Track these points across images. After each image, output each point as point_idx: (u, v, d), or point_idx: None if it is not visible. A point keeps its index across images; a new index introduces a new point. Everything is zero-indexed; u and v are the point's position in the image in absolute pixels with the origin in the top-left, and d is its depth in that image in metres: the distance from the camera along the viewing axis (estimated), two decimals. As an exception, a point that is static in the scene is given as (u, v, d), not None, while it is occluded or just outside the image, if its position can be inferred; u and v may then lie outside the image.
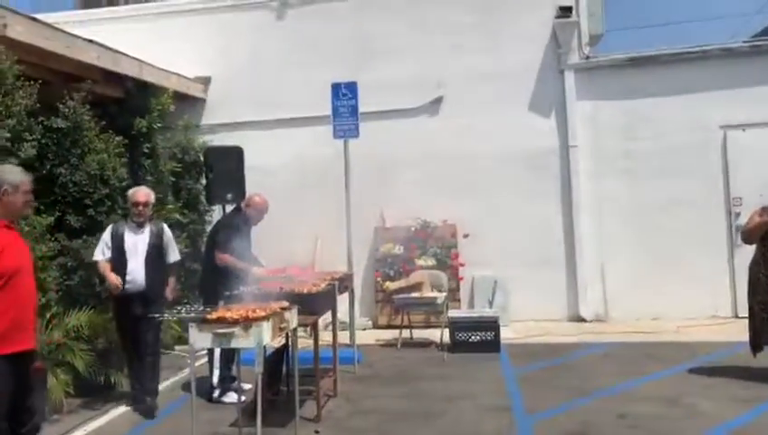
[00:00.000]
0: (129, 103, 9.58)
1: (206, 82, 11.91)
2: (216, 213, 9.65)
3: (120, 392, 7.42)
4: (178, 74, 10.94)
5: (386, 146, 10.96)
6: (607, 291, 10.79)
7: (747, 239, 7.37)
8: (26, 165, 6.84)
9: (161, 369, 7.36)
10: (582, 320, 10.67)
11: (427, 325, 10.21)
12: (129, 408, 7.03)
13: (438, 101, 11.31)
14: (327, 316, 7.30)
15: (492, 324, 9.10)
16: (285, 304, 5.82)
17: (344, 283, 7.78)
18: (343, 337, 8.60)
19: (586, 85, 10.96)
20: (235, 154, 8.84)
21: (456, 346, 9.09)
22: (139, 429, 6.54)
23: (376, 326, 10.96)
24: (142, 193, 7.01)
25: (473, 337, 9.08)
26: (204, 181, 9.66)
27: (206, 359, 7.63)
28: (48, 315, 7.04)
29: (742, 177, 10.44)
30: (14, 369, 4.34)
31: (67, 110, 7.91)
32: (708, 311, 10.39)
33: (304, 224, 10.65)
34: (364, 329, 10.63)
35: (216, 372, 7.30)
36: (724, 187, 10.60)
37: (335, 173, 9.42)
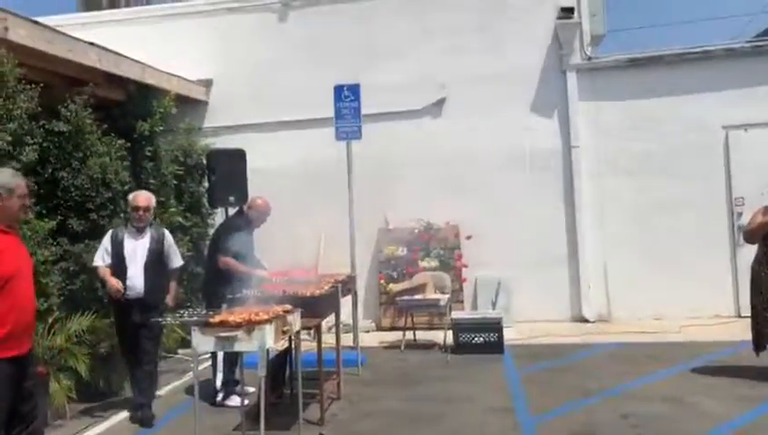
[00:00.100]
0: (130, 106, 9.58)
1: (208, 84, 11.91)
2: (218, 216, 9.67)
3: (123, 397, 7.43)
4: (180, 77, 10.94)
5: (388, 148, 10.96)
6: (609, 291, 10.78)
7: (749, 239, 7.38)
8: (28, 169, 6.89)
9: (165, 372, 7.38)
10: (585, 320, 10.67)
11: (431, 327, 10.22)
12: (131, 413, 7.01)
13: (441, 102, 11.31)
14: (330, 319, 7.29)
15: (495, 326, 9.09)
16: (288, 307, 5.82)
17: (347, 285, 7.78)
18: (346, 339, 8.58)
19: (588, 86, 10.96)
20: (238, 157, 8.84)
21: (459, 348, 9.09)
22: (143, 433, 6.53)
23: (379, 328, 10.96)
24: (143, 197, 6.94)
25: (476, 338, 9.07)
26: (206, 184, 9.66)
27: (209, 362, 7.63)
28: (50, 320, 7.02)
29: (744, 177, 10.43)
30: (14, 372, 4.34)
31: (69, 113, 7.89)
32: (711, 310, 10.39)
33: (307, 226, 10.67)
34: (367, 331, 10.63)
35: (220, 376, 7.30)
36: (726, 187, 10.59)
37: (338, 175, 9.41)
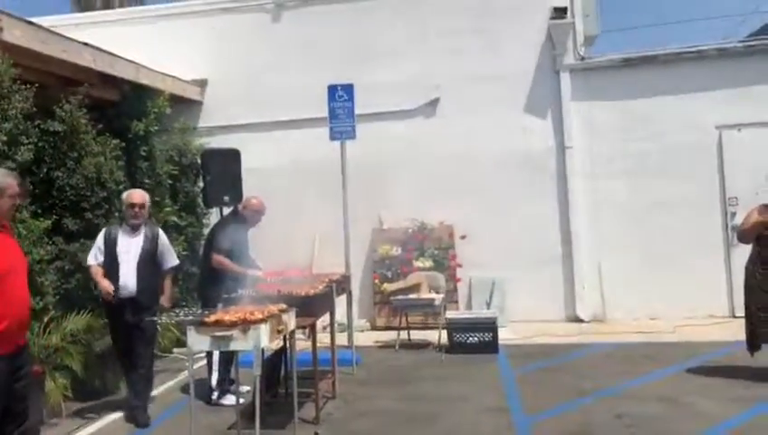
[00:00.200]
0: (125, 106, 9.59)
1: (202, 84, 11.91)
2: (213, 215, 9.68)
3: (119, 396, 7.42)
4: (175, 77, 10.94)
5: (383, 148, 10.98)
6: (604, 291, 10.79)
7: (743, 239, 7.40)
8: (23, 168, 6.90)
9: (160, 371, 7.37)
10: (580, 320, 10.69)
11: (425, 327, 10.20)
12: (126, 414, 6.99)
13: (435, 102, 11.33)
14: (325, 318, 7.29)
15: (489, 325, 9.10)
16: (283, 306, 5.82)
17: (342, 284, 7.78)
18: (341, 339, 8.58)
19: (581, 86, 10.98)
20: (232, 156, 8.83)
21: (453, 347, 9.10)
22: (139, 432, 6.52)
23: (374, 328, 10.96)
24: (138, 194, 6.91)
25: (471, 338, 9.08)
26: (201, 184, 9.64)
27: (204, 361, 7.62)
28: (46, 319, 7.02)
29: (737, 177, 10.46)
30: (8, 369, 4.35)
31: (64, 113, 7.90)
32: (705, 310, 10.42)
33: (302, 226, 10.67)
34: (362, 331, 10.64)
35: (215, 375, 7.29)
36: (719, 187, 10.62)
37: (332, 175, 9.40)
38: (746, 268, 7.31)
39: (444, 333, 9.31)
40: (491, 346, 8.98)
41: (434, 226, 11.09)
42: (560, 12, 10.82)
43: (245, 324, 5.24)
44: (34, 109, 7.23)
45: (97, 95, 8.90)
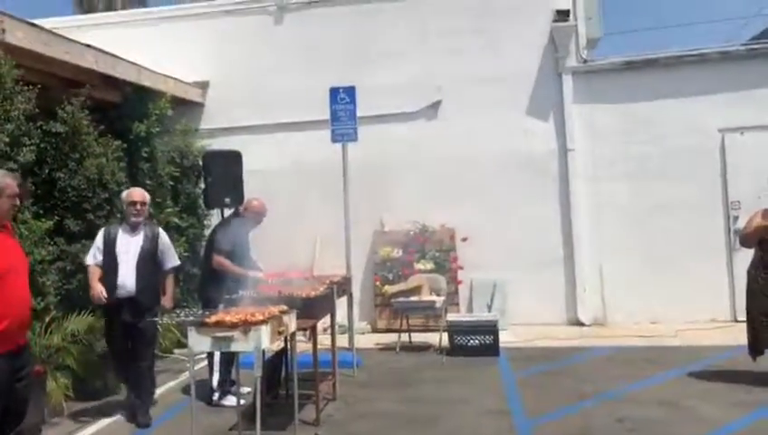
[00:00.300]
0: (127, 108, 9.59)
1: (204, 86, 11.91)
2: (214, 217, 9.66)
3: (120, 396, 7.40)
4: (177, 79, 10.95)
5: (384, 150, 10.98)
6: (605, 294, 10.77)
7: (745, 242, 7.37)
8: (25, 169, 6.91)
9: (161, 372, 7.38)
10: (581, 324, 10.67)
11: (426, 329, 10.20)
12: (128, 414, 6.98)
13: (437, 105, 11.33)
14: (326, 320, 7.29)
15: (491, 328, 9.08)
16: (284, 307, 5.82)
17: (343, 286, 7.79)
18: (342, 341, 8.59)
19: (584, 89, 10.97)
20: (234, 158, 8.83)
21: (454, 350, 9.08)
22: (140, 432, 6.52)
23: (375, 330, 10.95)
24: (138, 192, 6.89)
25: (471, 341, 9.07)
26: (202, 185, 9.65)
27: (205, 362, 7.63)
28: (47, 319, 7.04)
29: (740, 180, 10.43)
30: (8, 368, 4.35)
31: (66, 114, 7.92)
32: (707, 315, 10.38)
33: (303, 228, 10.67)
34: (363, 333, 10.63)
35: (216, 376, 7.29)
36: (722, 190, 10.59)
37: (334, 177, 9.41)
38: (748, 272, 7.29)
39: (445, 336, 9.30)
40: (492, 349, 8.97)
41: (435, 228, 11.07)
42: (562, 15, 10.81)
43: (246, 326, 5.25)
44: (37, 110, 7.25)
45: (99, 97, 8.91)
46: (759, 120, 10.37)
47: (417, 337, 9.99)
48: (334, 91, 9.22)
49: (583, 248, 10.85)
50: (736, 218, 10.31)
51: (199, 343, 5.37)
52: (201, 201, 10.31)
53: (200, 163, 9.93)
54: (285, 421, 6.31)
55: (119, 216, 7.96)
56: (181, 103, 11.02)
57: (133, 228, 6.79)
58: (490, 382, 7.76)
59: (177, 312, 5.92)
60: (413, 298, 9.84)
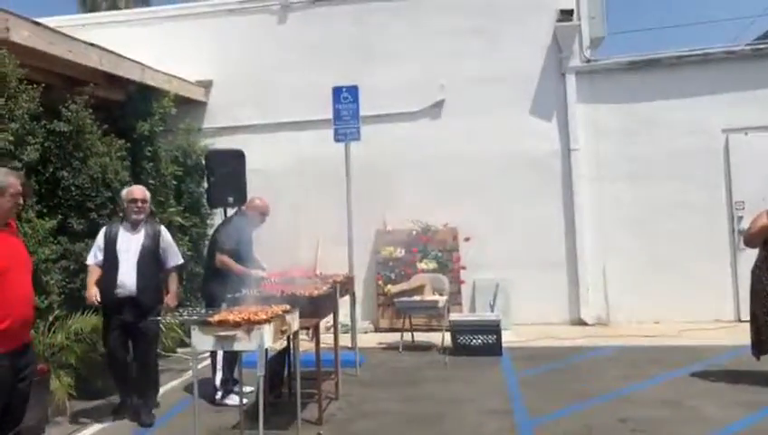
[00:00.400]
0: (130, 107, 9.62)
1: (207, 85, 11.93)
2: (217, 216, 9.67)
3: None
4: (180, 78, 10.96)
5: (387, 149, 10.98)
6: (609, 294, 10.77)
7: (750, 243, 7.36)
8: (29, 168, 6.93)
9: (164, 371, 7.37)
10: (584, 323, 10.67)
11: (429, 329, 10.21)
12: (130, 414, 6.97)
13: (440, 104, 11.32)
14: (329, 319, 7.29)
15: (493, 328, 9.08)
16: (287, 307, 5.82)
17: (345, 286, 7.79)
18: (345, 340, 8.61)
19: (587, 89, 10.97)
20: (237, 157, 8.84)
21: (457, 350, 9.09)
22: (143, 431, 6.52)
23: (377, 329, 10.96)
24: (138, 190, 6.89)
25: (474, 340, 9.07)
26: (205, 184, 9.65)
27: (208, 361, 7.63)
28: (51, 318, 7.05)
29: (744, 180, 10.43)
30: (11, 366, 4.35)
31: (69, 113, 7.92)
32: (710, 314, 10.37)
33: (306, 227, 10.65)
34: (365, 332, 10.64)
35: (219, 375, 7.31)
36: (726, 190, 10.59)
37: (336, 176, 9.42)
38: (753, 273, 7.28)
39: (447, 336, 9.30)
40: (494, 348, 8.97)
41: (438, 228, 11.07)
42: (566, 14, 10.80)
43: (249, 325, 5.24)
44: (41, 109, 7.28)
45: (102, 96, 8.93)
46: (763, 121, 10.36)
47: (420, 337, 9.99)
48: (337, 91, 9.23)
49: (586, 248, 10.85)
50: (740, 219, 10.31)
51: (202, 342, 5.36)
52: (204, 200, 10.35)
53: (203, 162, 9.93)
54: (288, 420, 6.32)
55: (122, 215, 7.96)
56: (184, 102, 11.03)
57: (134, 226, 6.78)
58: (493, 382, 7.76)
59: (181, 311, 5.92)
60: (416, 298, 9.85)
